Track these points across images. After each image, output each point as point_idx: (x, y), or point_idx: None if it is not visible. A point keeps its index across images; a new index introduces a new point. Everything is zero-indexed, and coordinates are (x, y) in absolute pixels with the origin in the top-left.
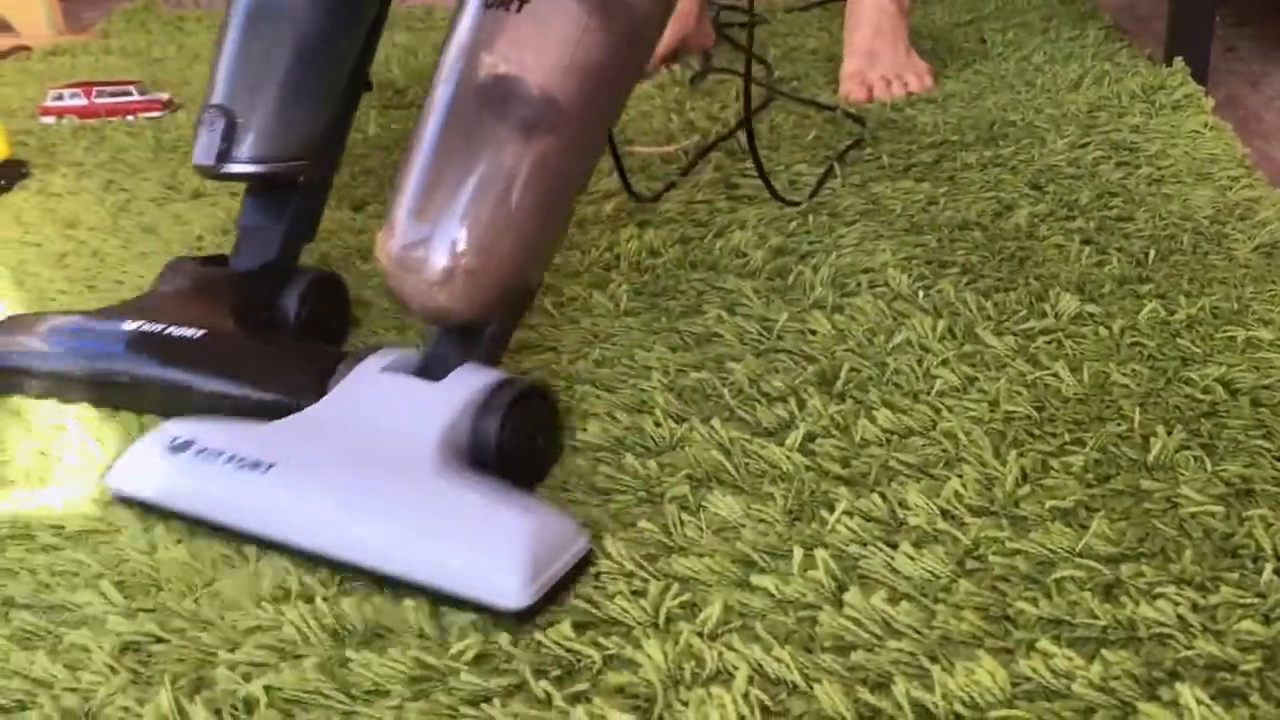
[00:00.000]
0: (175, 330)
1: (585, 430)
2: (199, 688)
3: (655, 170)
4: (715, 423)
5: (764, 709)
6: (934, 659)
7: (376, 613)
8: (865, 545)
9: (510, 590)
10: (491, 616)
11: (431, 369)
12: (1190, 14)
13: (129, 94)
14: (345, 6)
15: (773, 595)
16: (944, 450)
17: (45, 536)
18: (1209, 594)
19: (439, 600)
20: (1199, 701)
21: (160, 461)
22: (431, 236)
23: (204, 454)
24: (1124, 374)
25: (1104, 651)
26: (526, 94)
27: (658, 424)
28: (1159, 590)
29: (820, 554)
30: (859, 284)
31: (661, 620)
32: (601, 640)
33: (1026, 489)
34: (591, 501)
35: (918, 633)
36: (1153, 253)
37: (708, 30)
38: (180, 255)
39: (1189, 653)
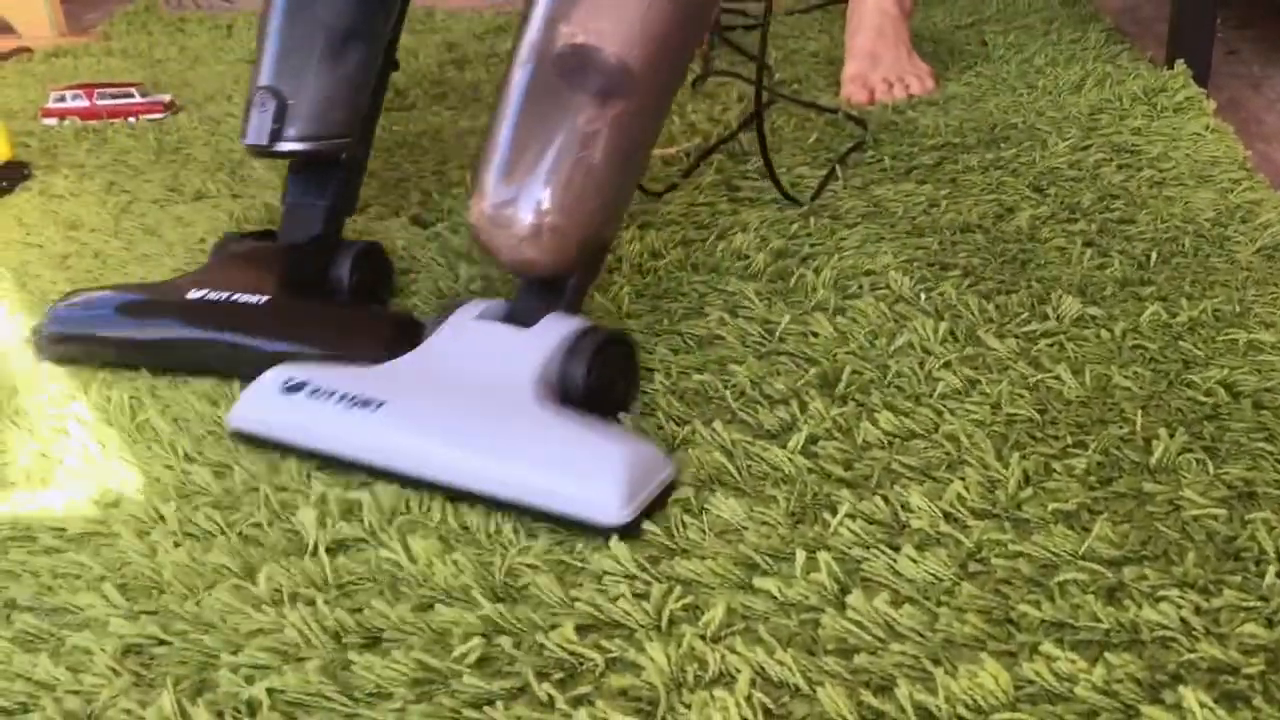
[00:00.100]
0: (240, 297)
1: None
2: (201, 690)
3: (657, 172)
4: (717, 425)
5: (766, 712)
6: (937, 662)
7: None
8: (868, 548)
9: (612, 509)
10: (593, 533)
11: (521, 317)
12: (1192, 17)
13: (131, 96)
14: None
15: (775, 598)
16: (946, 453)
17: (47, 539)
18: (1212, 597)
19: (543, 520)
20: (1202, 705)
21: (276, 400)
22: (518, 197)
23: (318, 393)
24: (1126, 376)
25: (1107, 654)
26: (603, 62)
27: (660, 426)
28: (1162, 593)
29: (823, 556)
30: (861, 286)
31: (664, 623)
32: (604, 643)
33: (1029, 491)
34: None
35: (920, 635)
36: (1154, 255)
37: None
38: (229, 231)
39: (1192, 656)
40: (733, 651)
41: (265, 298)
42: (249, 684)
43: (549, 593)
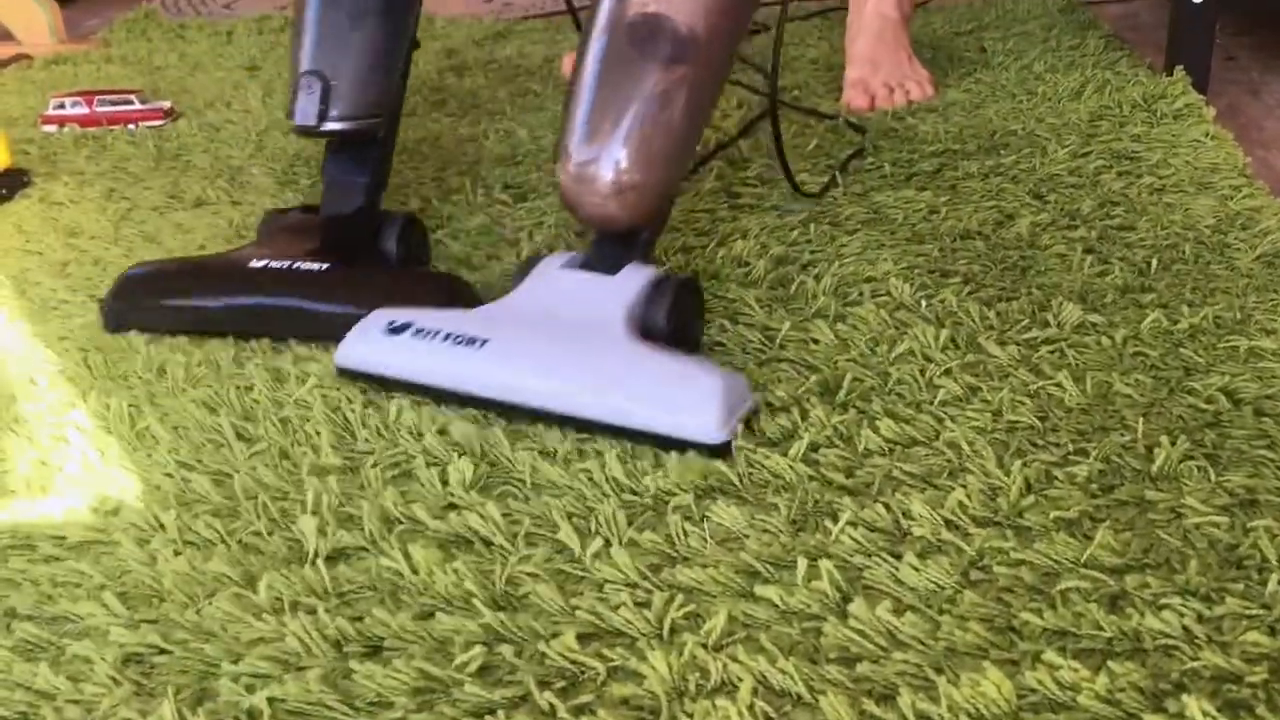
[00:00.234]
0: (302, 265)
1: (589, 439)
2: (202, 699)
3: None
4: None
5: None
6: (939, 670)
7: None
8: (869, 556)
9: (711, 429)
10: (694, 450)
11: (603, 266)
12: (1190, 23)
13: (130, 103)
14: None
15: (777, 606)
16: (947, 460)
17: (47, 547)
18: (1214, 605)
19: (645, 442)
20: (1205, 714)
21: (382, 340)
22: (600, 157)
23: (422, 333)
24: (1127, 384)
25: (1110, 663)
26: (673, 30)
27: None
28: (1164, 601)
29: (824, 565)
30: (861, 293)
31: (665, 631)
32: (606, 652)
33: (1030, 499)
34: None
35: (923, 644)
36: (1155, 262)
37: None
38: (273, 207)
39: (1195, 664)
40: (734, 660)
41: (326, 265)
42: (250, 693)
43: (550, 601)
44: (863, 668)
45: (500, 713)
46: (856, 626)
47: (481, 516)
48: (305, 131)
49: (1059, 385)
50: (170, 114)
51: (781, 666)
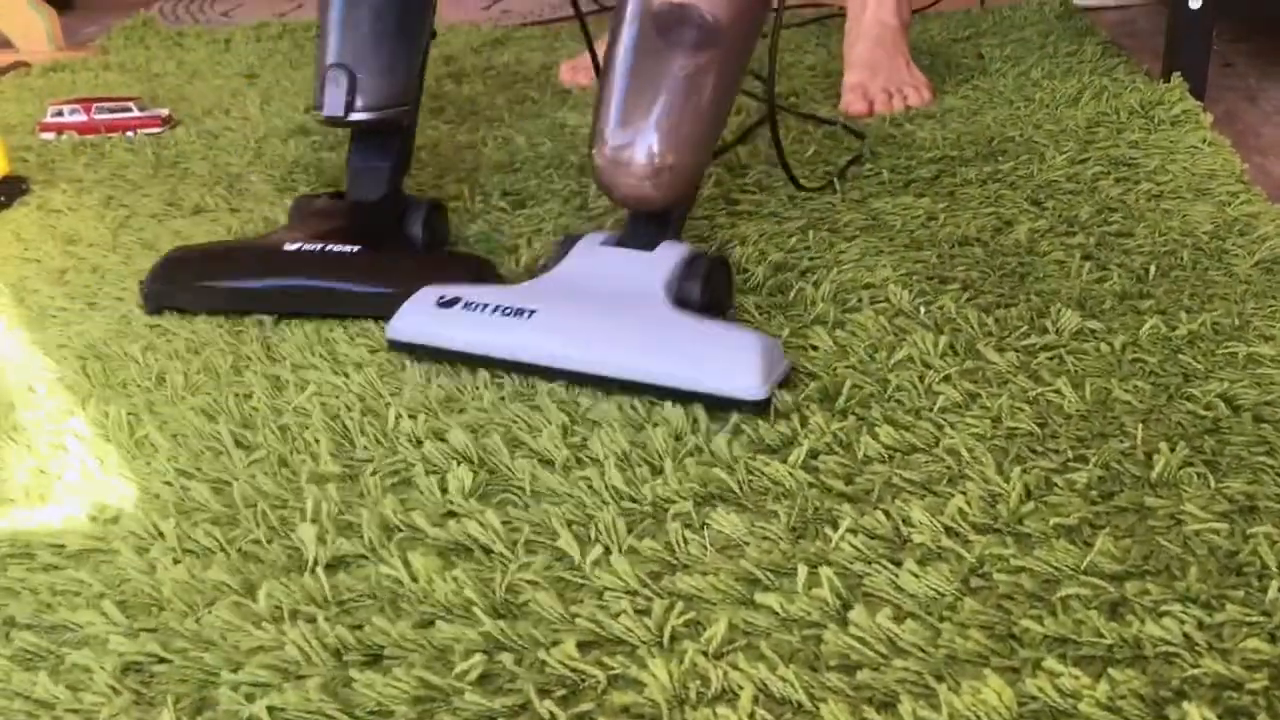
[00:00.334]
0: (334, 247)
1: (587, 446)
2: (201, 708)
3: None
4: (719, 439)
5: None
6: (940, 678)
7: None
8: (869, 563)
9: (754, 386)
10: (736, 407)
11: (639, 243)
12: (1188, 29)
13: (129, 110)
14: None
15: (777, 613)
16: (947, 467)
17: (46, 556)
18: (1215, 612)
19: (690, 400)
20: None
21: (433, 314)
22: (634, 141)
23: (471, 306)
24: (1126, 390)
25: (1110, 670)
26: (698, 18)
27: (662, 440)
28: (1164, 608)
29: (824, 572)
30: (860, 300)
31: (666, 639)
32: (606, 660)
33: (1030, 506)
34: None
35: (923, 651)
36: (1153, 268)
37: None
38: (302, 194)
39: (1195, 671)
40: (735, 668)
41: (356, 248)
42: (249, 702)
43: (550, 609)
44: (863, 675)
45: None
46: (857, 634)
47: (481, 524)
48: (334, 122)
49: (1058, 392)
50: (168, 121)
51: (782, 674)
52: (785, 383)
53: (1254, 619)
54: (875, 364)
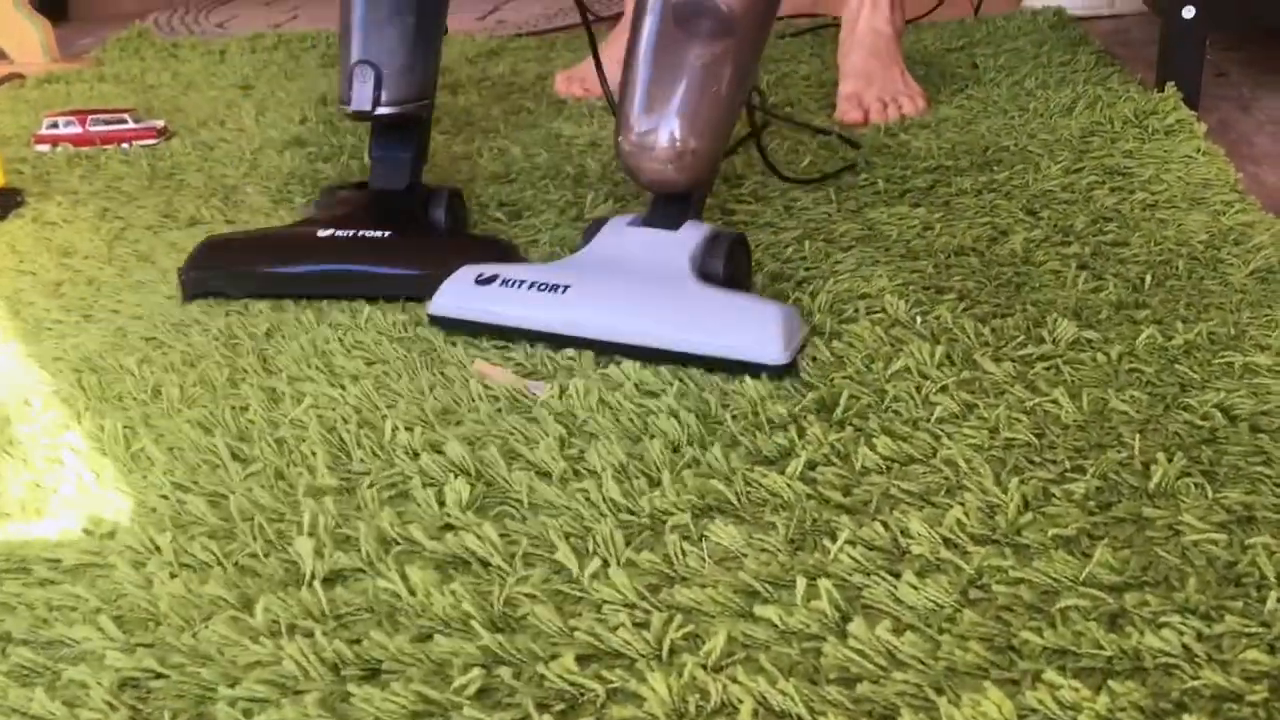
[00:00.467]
0: (366, 233)
1: (585, 458)
2: None
3: None
4: (716, 450)
5: None
6: (940, 690)
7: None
8: (868, 575)
9: (775, 352)
10: (760, 372)
11: (664, 223)
12: (1181, 39)
13: (124, 121)
14: None
15: (776, 626)
16: (945, 478)
17: (42, 570)
18: (1214, 623)
19: (716, 367)
20: None
21: (473, 290)
22: (658, 127)
23: (508, 283)
24: (1123, 400)
25: (1110, 682)
26: (713, 8)
27: (660, 452)
28: (1163, 620)
29: (823, 584)
30: (856, 310)
31: (665, 652)
32: (605, 673)
33: (1029, 517)
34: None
35: (923, 664)
36: (1148, 278)
37: None
38: (327, 185)
39: (1195, 683)
40: (734, 681)
41: (387, 233)
42: (247, 717)
43: (548, 622)
44: (863, 688)
45: None
46: (856, 646)
47: (479, 537)
48: (360, 116)
49: (1055, 402)
50: (164, 133)
51: (782, 687)
52: (781, 395)
53: (1253, 630)
54: (872, 374)
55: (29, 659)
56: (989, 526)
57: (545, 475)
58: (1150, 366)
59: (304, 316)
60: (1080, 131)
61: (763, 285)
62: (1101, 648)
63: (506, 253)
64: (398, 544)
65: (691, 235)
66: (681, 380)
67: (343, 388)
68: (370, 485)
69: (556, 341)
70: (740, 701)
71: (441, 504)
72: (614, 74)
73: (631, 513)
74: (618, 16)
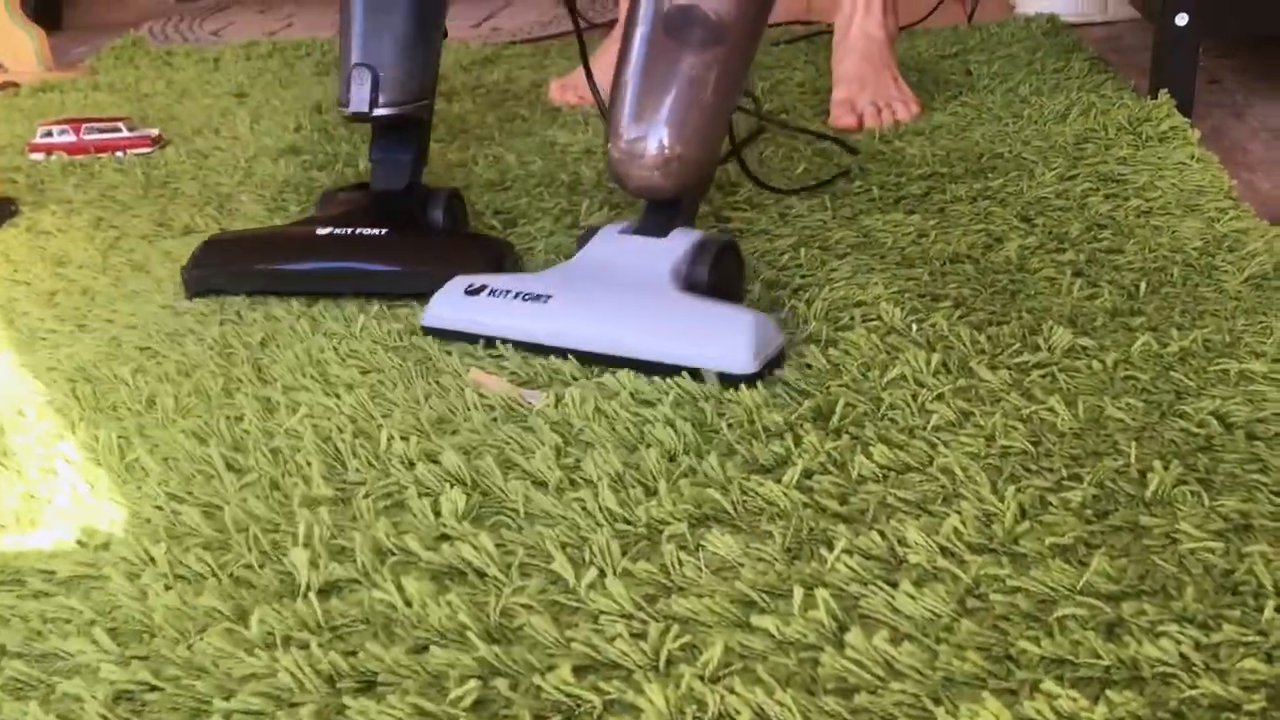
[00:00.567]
0: (364, 231)
1: (581, 467)
2: None
3: None
4: (713, 459)
5: None
6: (938, 701)
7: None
8: (865, 584)
9: (743, 361)
10: (729, 380)
11: (653, 230)
12: (1174, 46)
13: (118, 130)
14: None
15: (773, 636)
16: (942, 486)
17: (36, 582)
18: (1211, 632)
19: (691, 376)
20: None
21: (463, 301)
22: (647, 135)
23: (496, 293)
24: (1119, 408)
25: (1108, 692)
26: (702, 17)
27: (656, 461)
28: (1161, 629)
29: (820, 593)
30: (852, 318)
31: (662, 663)
32: (602, 684)
33: (1025, 525)
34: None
35: (920, 674)
36: (1143, 285)
37: None
38: (328, 187)
39: (1193, 692)
40: (732, 692)
41: (385, 230)
42: None
43: (544, 633)
44: (861, 698)
45: None
46: (854, 656)
47: (475, 547)
48: (358, 117)
49: (1051, 410)
50: (158, 141)
51: (779, 698)
52: (777, 404)
53: (1251, 639)
54: (868, 382)
55: (23, 672)
56: (986, 535)
57: (541, 485)
58: (1146, 374)
59: (299, 326)
60: (1074, 138)
61: (759, 293)
62: (1099, 657)
63: (502, 252)
64: (393, 554)
65: (679, 242)
66: (678, 388)
67: (338, 397)
68: (366, 495)
69: (540, 351)
70: (738, 712)
71: (437, 514)
72: (606, 82)
73: (628, 522)
74: (611, 24)
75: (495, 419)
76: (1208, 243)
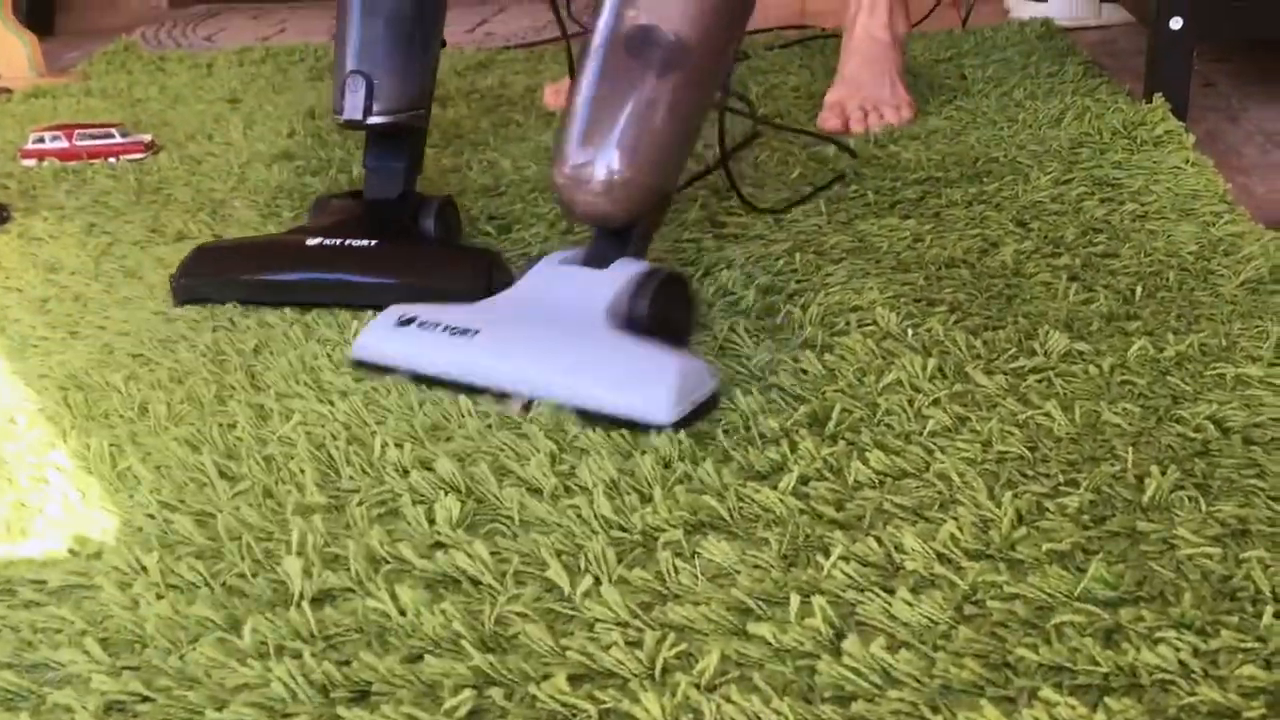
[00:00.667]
0: (353, 242)
1: (576, 474)
2: None
3: None
4: (708, 465)
5: None
6: (935, 709)
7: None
8: (862, 591)
9: (662, 410)
10: (648, 430)
11: (596, 261)
12: (1169, 50)
13: (111, 136)
14: None
15: (770, 644)
16: (938, 492)
17: (26, 592)
18: (1209, 638)
19: (610, 423)
20: None
21: (391, 333)
22: (594, 159)
23: (424, 325)
24: (1115, 413)
25: (1106, 699)
26: (662, 38)
27: (651, 467)
28: (1159, 635)
29: (817, 600)
30: (848, 323)
31: (658, 671)
32: (597, 693)
33: (1022, 531)
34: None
35: (918, 681)
36: (1139, 289)
37: None
38: (322, 194)
39: (1192, 699)
40: (728, 700)
41: (374, 242)
42: None
43: (540, 642)
44: (858, 707)
45: None
46: (851, 664)
47: (469, 555)
48: (352, 125)
49: (1047, 415)
50: (151, 147)
51: (776, 707)
52: (772, 410)
53: (1249, 645)
54: (864, 388)
55: (13, 683)
56: (983, 541)
57: (536, 492)
58: (1142, 378)
59: (292, 332)
60: (1069, 142)
61: (754, 299)
62: (1097, 664)
63: (491, 263)
64: (387, 563)
65: (618, 275)
66: None
67: (331, 404)
68: (359, 503)
69: (462, 390)
70: None
71: (431, 522)
72: None
73: (623, 529)
74: None
75: (490, 426)
76: (1203, 247)
